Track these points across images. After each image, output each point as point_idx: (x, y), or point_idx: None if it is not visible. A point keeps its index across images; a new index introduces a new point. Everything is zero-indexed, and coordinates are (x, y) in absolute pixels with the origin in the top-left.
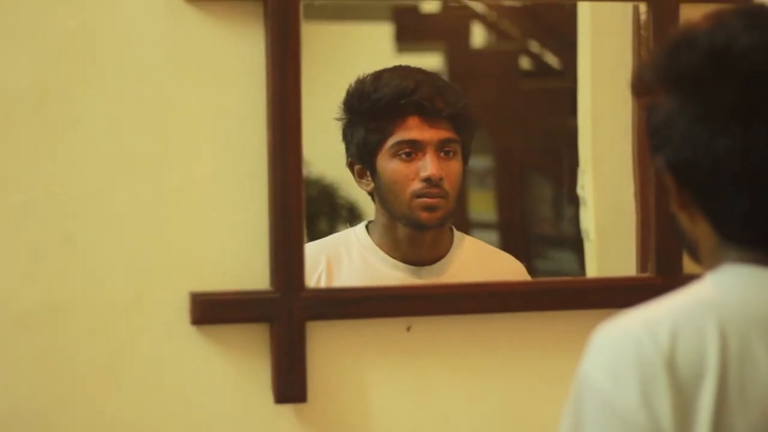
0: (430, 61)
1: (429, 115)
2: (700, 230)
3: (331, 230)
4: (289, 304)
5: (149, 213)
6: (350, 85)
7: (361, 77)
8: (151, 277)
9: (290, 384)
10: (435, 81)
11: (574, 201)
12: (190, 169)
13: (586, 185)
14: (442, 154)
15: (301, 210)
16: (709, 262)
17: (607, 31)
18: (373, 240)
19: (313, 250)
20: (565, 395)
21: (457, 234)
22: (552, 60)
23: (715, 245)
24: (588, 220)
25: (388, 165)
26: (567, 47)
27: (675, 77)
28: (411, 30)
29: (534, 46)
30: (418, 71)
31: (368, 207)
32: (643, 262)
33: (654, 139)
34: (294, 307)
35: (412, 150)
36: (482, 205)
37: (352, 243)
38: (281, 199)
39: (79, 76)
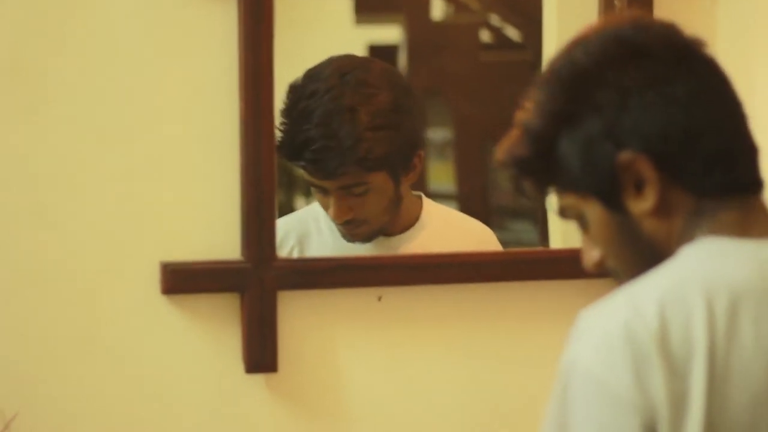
0: (390, 33)
1: (320, 175)
2: (675, 215)
3: (289, 202)
4: (260, 273)
5: (120, 183)
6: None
7: (287, 91)
8: (123, 246)
9: (261, 354)
10: (328, 133)
11: None
12: (162, 139)
13: None
14: (350, 195)
15: (273, 180)
16: (678, 246)
17: (574, 3)
18: None
19: (281, 228)
20: (536, 365)
21: (426, 201)
22: (513, 33)
23: (689, 222)
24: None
25: (311, 190)
26: (528, 20)
27: (584, 85)
28: (370, 1)
29: (494, 19)
30: (321, 114)
31: None
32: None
33: (605, 145)
34: (265, 276)
35: (319, 189)
36: (442, 176)
37: (320, 216)
38: (253, 169)
39: (51, 47)
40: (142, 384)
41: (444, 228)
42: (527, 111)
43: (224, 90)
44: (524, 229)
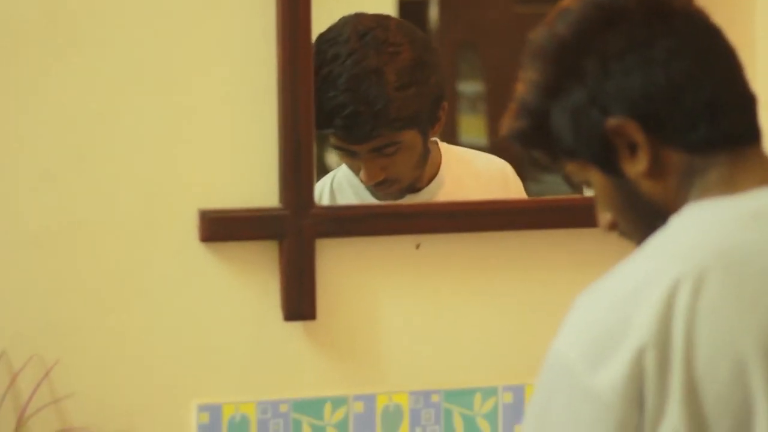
0: None
1: (351, 140)
2: (669, 175)
3: (320, 157)
4: (298, 221)
5: (158, 131)
6: None
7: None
8: (161, 195)
9: (300, 301)
10: (357, 97)
11: None
12: (200, 87)
13: None
14: (380, 156)
15: (311, 127)
16: (677, 207)
17: None
18: None
19: (317, 189)
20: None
21: (443, 148)
22: None
23: (683, 182)
24: None
25: (338, 155)
26: None
27: (561, 62)
28: None
29: None
30: (347, 79)
31: None
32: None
33: (592, 113)
34: (304, 224)
35: (348, 153)
36: (473, 129)
37: (342, 183)
38: (291, 115)
39: None
40: (181, 332)
41: (465, 169)
42: (521, 85)
43: (262, 36)
44: (557, 181)
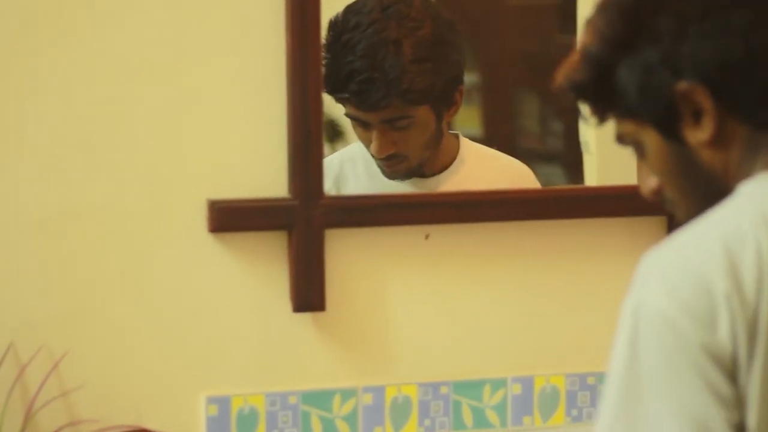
0: None
1: (365, 107)
2: (733, 146)
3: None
4: (307, 211)
5: (167, 119)
6: None
7: (327, 27)
8: (169, 184)
9: (309, 292)
10: (373, 64)
11: (562, 116)
12: (209, 75)
13: None
14: (393, 129)
15: (320, 116)
16: (737, 180)
17: None
18: None
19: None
20: (581, 303)
21: (463, 141)
22: None
23: (747, 155)
24: (588, 132)
25: (352, 125)
26: None
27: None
28: None
29: None
30: (365, 46)
31: (349, 124)
32: None
33: (662, 74)
34: (313, 214)
35: (361, 123)
36: (468, 120)
37: (357, 158)
38: (300, 105)
39: None
40: (190, 323)
41: (482, 167)
42: (587, 36)
43: (271, 25)
44: (553, 173)
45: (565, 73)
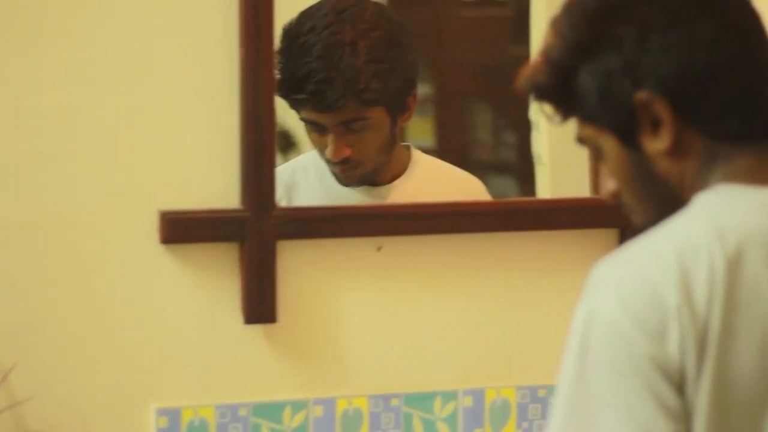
0: None
1: (321, 107)
2: (690, 157)
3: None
4: (259, 223)
5: (118, 130)
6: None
7: (281, 34)
8: (121, 195)
9: (260, 304)
10: (329, 65)
11: (515, 128)
12: (161, 86)
13: (538, 109)
14: (348, 132)
15: (273, 127)
16: (694, 194)
17: None
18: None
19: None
20: (532, 314)
21: (414, 152)
22: None
23: (704, 166)
24: (540, 144)
25: (306, 131)
26: None
27: (603, 24)
28: None
29: None
30: (321, 47)
31: (303, 135)
32: (597, 186)
33: (623, 82)
34: (265, 226)
35: (317, 127)
36: (421, 132)
37: (308, 167)
38: (253, 116)
39: None
40: (140, 335)
41: (433, 178)
42: (550, 38)
43: (224, 36)
44: (505, 185)
45: (527, 75)
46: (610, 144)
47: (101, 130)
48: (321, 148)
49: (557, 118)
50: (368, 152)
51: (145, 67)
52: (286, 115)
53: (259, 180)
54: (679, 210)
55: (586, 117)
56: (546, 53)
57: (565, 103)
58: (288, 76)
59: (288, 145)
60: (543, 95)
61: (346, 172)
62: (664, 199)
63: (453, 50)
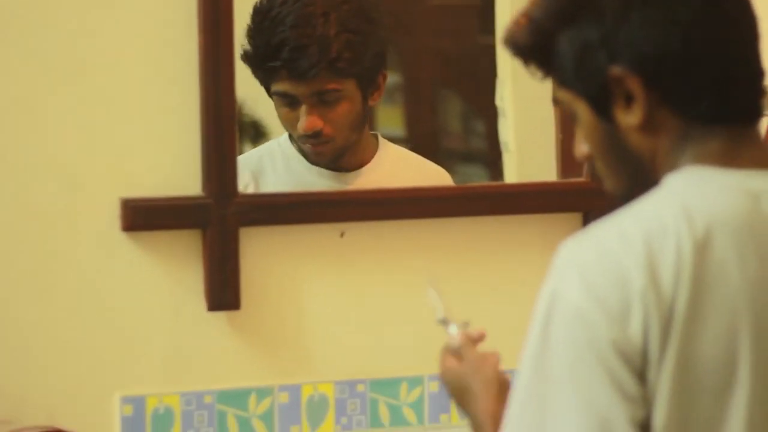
0: None
1: (296, 74)
2: (662, 135)
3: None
4: (221, 209)
5: (78, 118)
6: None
7: (252, 12)
8: (82, 183)
9: (223, 291)
10: (304, 33)
11: (484, 116)
12: (121, 73)
13: (505, 97)
14: (321, 104)
15: (233, 114)
16: (664, 171)
17: None
18: (296, 149)
19: (241, 159)
20: (496, 297)
21: (382, 141)
22: None
23: (676, 145)
24: (507, 131)
25: (276, 106)
26: None
27: None
28: None
29: None
30: (294, 18)
31: (273, 125)
32: (565, 172)
33: (599, 55)
34: (227, 212)
35: (289, 101)
36: (391, 120)
37: (275, 153)
38: (214, 103)
39: None
40: (103, 322)
41: (399, 167)
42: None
43: (183, 22)
44: (475, 173)
45: (509, 32)
46: (584, 111)
47: (62, 118)
48: (291, 124)
49: (537, 75)
50: (340, 127)
51: (104, 55)
52: (257, 106)
53: (220, 167)
54: (649, 185)
55: (562, 82)
56: (529, 12)
57: (543, 65)
58: (261, 45)
59: (258, 135)
60: (521, 54)
61: (317, 147)
62: (635, 172)
63: (421, 39)
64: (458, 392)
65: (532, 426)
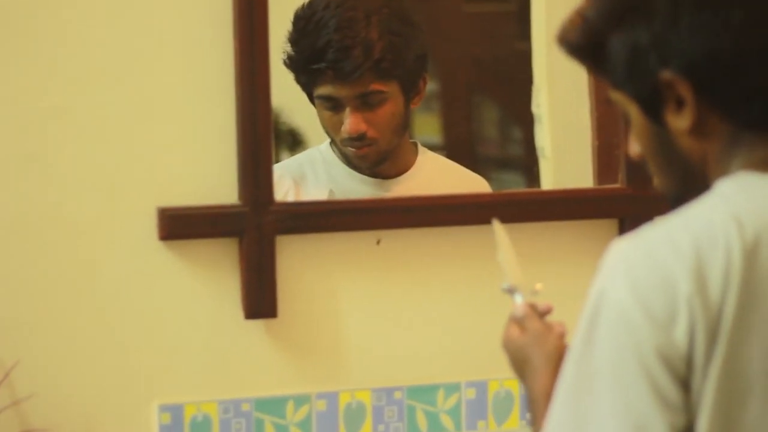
0: None
1: (341, 75)
2: (712, 139)
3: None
4: (258, 218)
5: (115, 128)
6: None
7: (293, 18)
8: (119, 192)
9: (260, 299)
10: (348, 35)
11: (521, 122)
12: (157, 82)
13: (541, 103)
14: (365, 107)
15: (269, 122)
16: (715, 175)
17: None
18: (337, 156)
19: (276, 173)
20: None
21: (421, 149)
22: None
23: (726, 150)
24: (543, 137)
25: (319, 111)
26: None
27: None
28: None
29: None
30: (337, 21)
31: (311, 133)
32: (601, 178)
33: (650, 58)
34: (263, 221)
35: (333, 104)
36: (428, 128)
37: (316, 160)
38: (249, 111)
39: None
40: (141, 332)
41: (438, 175)
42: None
43: (219, 30)
44: (512, 180)
45: (563, 30)
46: (635, 113)
47: (99, 127)
48: (335, 128)
49: (593, 73)
50: (383, 130)
51: (140, 63)
52: (294, 114)
53: (256, 175)
54: (700, 189)
55: (614, 83)
56: (582, 11)
57: (595, 65)
58: (305, 48)
59: (296, 143)
60: (574, 54)
61: (361, 150)
62: (684, 175)
63: (458, 46)
64: (518, 364)
65: (572, 425)
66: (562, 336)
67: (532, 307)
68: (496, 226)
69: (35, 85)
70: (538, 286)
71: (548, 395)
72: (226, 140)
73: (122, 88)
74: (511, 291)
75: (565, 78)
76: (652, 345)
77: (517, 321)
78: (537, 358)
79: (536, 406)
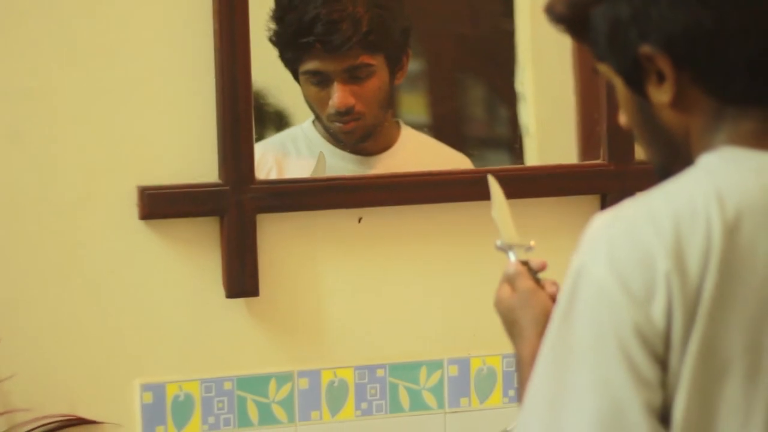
0: None
1: (330, 48)
2: (695, 113)
3: (259, 137)
4: (239, 196)
5: (95, 107)
6: None
7: None
8: (99, 171)
9: (242, 278)
10: (335, 9)
11: (507, 101)
12: (137, 62)
13: (525, 81)
14: (352, 80)
15: (249, 100)
16: (699, 149)
17: None
18: (319, 133)
19: (259, 151)
20: None
21: (404, 127)
22: None
23: (709, 124)
24: (528, 115)
25: (304, 87)
26: None
27: None
28: None
29: None
30: None
31: (297, 112)
32: (585, 154)
33: (630, 32)
34: (244, 199)
35: (320, 79)
36: (413, 107)
37: (299, 138)
38: (230, 90)
39: None
40: (122, 310)
41: (421, 152)
42: None
43: (198, 10)
44: (497, 158)
45: (549, 1)
46: (620, 85)
47: (79, 107)
48: (321, 103)
49: (577, 43)
50: (370, 104)
51: (121, 43)
52: (281, 95)
53: (237, 153)
54: (684, 162)
55: (598, 56)
56: None
57: (579, 36)
58: (292, 23)
59: (282, 124)
60: (558, 24)
61: (348, 125)
62: (668, 148)
63: (443, 25)
64: (507, 324)
65: (549, 399)
66: (553, 296)
67: (526, 265)
68: (492, 182)
69: (15, 65)
70: (532, 243)
71: (534, 358)
72: (207, 119)
73: (102, 67)
74: (505, 249)
75: (549, 56)
76: (630, 322)
77: (509, 279)
78: (524, 320)
79: (522, 369)
